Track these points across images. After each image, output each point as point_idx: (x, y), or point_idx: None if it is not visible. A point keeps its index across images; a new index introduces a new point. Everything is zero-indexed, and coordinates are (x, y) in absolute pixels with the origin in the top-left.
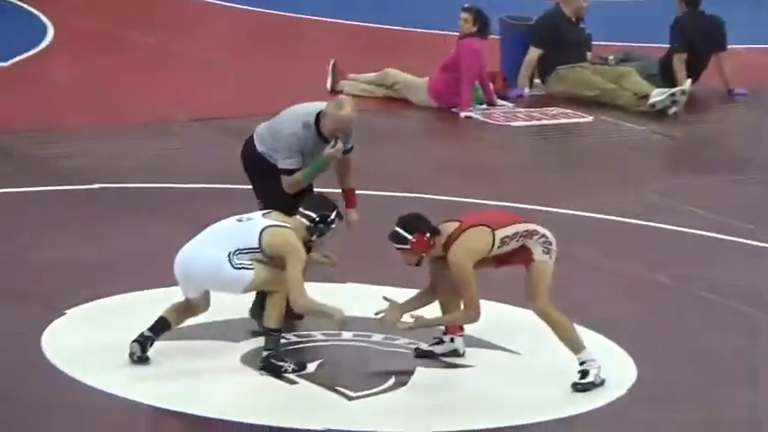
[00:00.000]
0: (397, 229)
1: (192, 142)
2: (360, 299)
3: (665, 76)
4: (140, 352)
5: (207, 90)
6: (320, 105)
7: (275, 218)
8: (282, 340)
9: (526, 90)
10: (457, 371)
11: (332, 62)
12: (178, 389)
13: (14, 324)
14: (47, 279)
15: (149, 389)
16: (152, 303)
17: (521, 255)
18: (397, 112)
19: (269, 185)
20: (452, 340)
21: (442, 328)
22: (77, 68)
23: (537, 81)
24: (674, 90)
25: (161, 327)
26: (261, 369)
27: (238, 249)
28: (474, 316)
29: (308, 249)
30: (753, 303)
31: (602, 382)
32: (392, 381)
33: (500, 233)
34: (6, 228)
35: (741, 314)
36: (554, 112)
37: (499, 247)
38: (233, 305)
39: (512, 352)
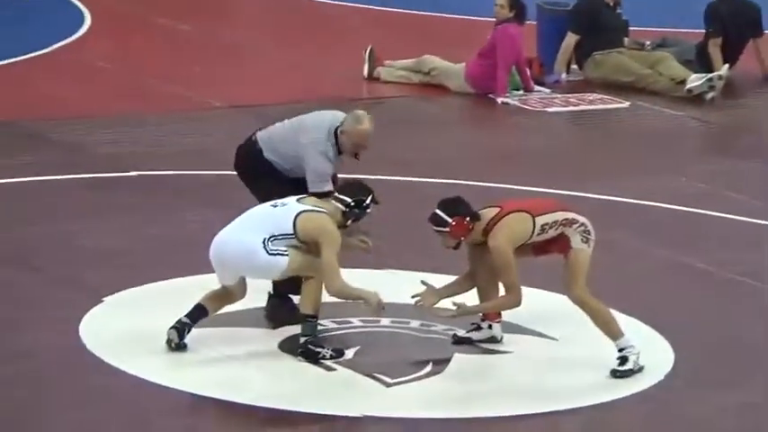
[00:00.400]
0: (437, 211)
1: (229, 129)
2: (398, 285)
3: (702, 62)
4: (177, 339)
5: (243, 76)
6: (338, 116)
7: (310, 203)
8: (319, 327)
9: (563, 76)
10: (494, 357)
11: (368, 48)
12: (216, 376)
13: (54, 310)
14: (85, 266)
15: (187, 376)
16: (189, 290)
17: (559, 243)
18: (434, 98)
19: (273, 188)
20: (490, 327)
21: (480, 314)
22: (115, 55)
23: (574, 67)
24: (711, 75)
25: (198, 314)
26: (299, 355)
27: (273, 236)
28: (515, 301)
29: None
30: None
31: (640, 369)
32: (429, 367)
33: (540, 220)
34: (46, 214)
35: None
36: (591, 97)
37: (539, 234)
38: (266, 293)
39: (549, 338)
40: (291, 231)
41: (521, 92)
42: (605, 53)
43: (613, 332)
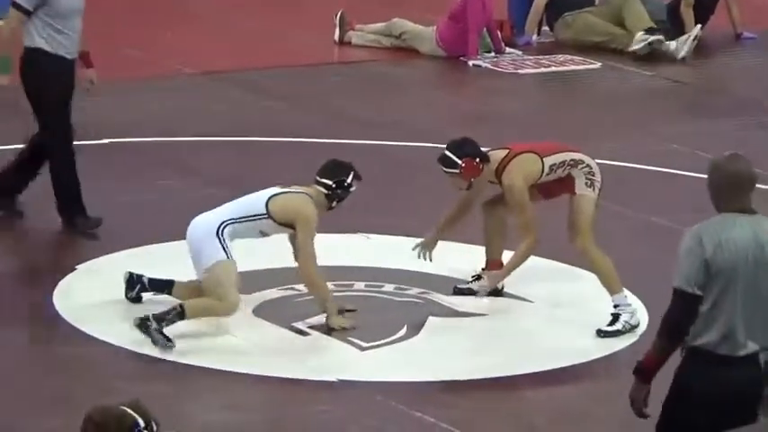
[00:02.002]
0: (447, 152)
1: (200, 96)
2: (372, 249)
3: (674, 22)
4: (126, 288)
5: (213, 43)
6: None
7: (292, 188)
8: (294, 292)
9: (534, 37)
10: (469, 319)
11: (339, 13)
12: (188, 342)
13: (25, 280)
14: (56, 235)
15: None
16: (159, 257)
17: (566, 184)
18: (405, 61)
19: None
20: None
21: (482, 264)
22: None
23: (545, 28)
24: (651, 39)
25: (162, 286)
26: (137, 326)
27: (236, 218)
28: (533, 241)
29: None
30: None
31: (632, 329)
32: (404, 331)
33: (548, 160)
34: None
35: None
36: (562, 58)
37: (547, 174)
38: (243, 259)
39: (524, 300)
40: (263, 212)
41: (492, 54)
42: (576, 14)
43: (612, 287)
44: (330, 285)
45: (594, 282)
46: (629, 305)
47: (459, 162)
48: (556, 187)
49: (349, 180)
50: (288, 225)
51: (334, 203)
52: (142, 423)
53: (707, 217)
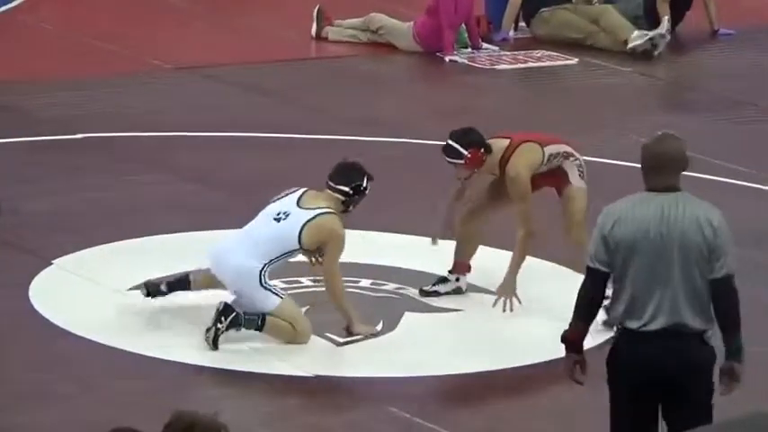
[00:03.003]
0: (452, 142)
1: (176, 91)
2: (348, 245)
3: (650, 17)
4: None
5: (190, 38)
6: None
7: (312, 202)
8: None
9: (511, 33)
10: (445, 315)
11: (317, 8)
12: (165, 339)
13: (3, 273)
14: (33, 229)
15: (135, 338)
16: (136, 252)
17: (556, 176)
18: (383, 57)
19: None
20: (458, 279)
21: (450, 266)
22: (58, 18)
23: (522, 24)
24: (652, 33)
25: (181, 285)
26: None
27: (274, 259)
28: (531, 231)
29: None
30: (737, 242)
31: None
32: (380, 326)
33: (548, 149)
34: None
35: None
36: (539, 54)
37: (545, 164)
38: None
39: None
40: (297, 247)
41: (469, 50)
42: (552, 10)
43: None
44: (306, 281)
45: (568, 277)
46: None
47: (465, 152)
48: (546, 179)
49: (365, 184)
50: (318, 248)
51: (351, 208)
52: None
53: None
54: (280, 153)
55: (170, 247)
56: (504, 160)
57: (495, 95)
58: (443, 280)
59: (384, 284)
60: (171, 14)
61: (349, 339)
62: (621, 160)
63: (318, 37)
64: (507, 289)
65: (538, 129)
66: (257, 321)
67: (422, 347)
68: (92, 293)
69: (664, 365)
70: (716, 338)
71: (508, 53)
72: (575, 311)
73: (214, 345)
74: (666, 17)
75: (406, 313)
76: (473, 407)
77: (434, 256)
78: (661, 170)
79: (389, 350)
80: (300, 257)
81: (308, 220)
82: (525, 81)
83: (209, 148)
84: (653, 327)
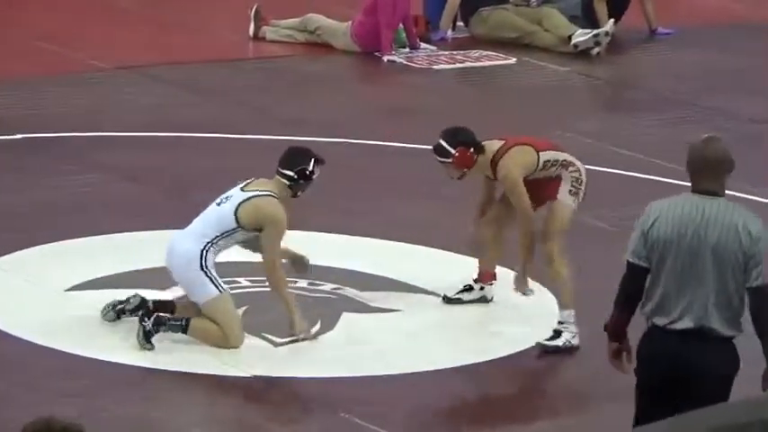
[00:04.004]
0: (441, 141)
1: (115, 90)
2: (293, 245)
3: (588, 18)
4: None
5: (127, 37)
6: None
7: (255, 186)
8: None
9: (449, 33)
10: (383, 315)
11: (254, 8)
12: (108, 340)
13: None
14: None
15: (78, 339)
16: (78, 252)
17: (554, 186)
18: (320, 57)
19: None
20: (482, 288)
21: (474, 275)
22: None
23: (460, 24)
24: (597, 31)
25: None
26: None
27: (214, 238)
28: (532, 225)
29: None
30: None
31: (569, 349)
32: (318, 326)
33: (543, 155)
34: None
35: None
36: (477, 54)
37: (541, 169)
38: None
39: (437, 295)
40: (235, 226)
41: (407, 49)
42: (490, 9)
43: (565, 300)
44: (244, 281)
45: (508, 278)
46: (572, 324)
47: (453, 151)
48: (543, 188)
49: (311, 167)
50: (258, 230)
51: (299, 193)
52: None
53: (625, 212)
54: (218, 153)
55: (111, 247)
56: (495, 161)
57: (433, 95)
58: (468, 288)
59: (321, 285)
60: (110, 14)
61: (287, 340)
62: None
63: (256, 37)
64: (519, 284)
65: (477, 128)
66: (181, 324)
67: (360, 347)
68: (32, 294)
69: (684, 364)
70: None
71: (446, 53)
72: (615, 303)
73: (147, 341)
74: (608, 18)
75: (344, 313)
76: (412, 406)
77: (372, 256)
78: (705, 173)
79: (327, 350)
80: (246, 258)
81: (245, 200)
82: (464, 81)
83: (149, 149)
84: (679, 326)
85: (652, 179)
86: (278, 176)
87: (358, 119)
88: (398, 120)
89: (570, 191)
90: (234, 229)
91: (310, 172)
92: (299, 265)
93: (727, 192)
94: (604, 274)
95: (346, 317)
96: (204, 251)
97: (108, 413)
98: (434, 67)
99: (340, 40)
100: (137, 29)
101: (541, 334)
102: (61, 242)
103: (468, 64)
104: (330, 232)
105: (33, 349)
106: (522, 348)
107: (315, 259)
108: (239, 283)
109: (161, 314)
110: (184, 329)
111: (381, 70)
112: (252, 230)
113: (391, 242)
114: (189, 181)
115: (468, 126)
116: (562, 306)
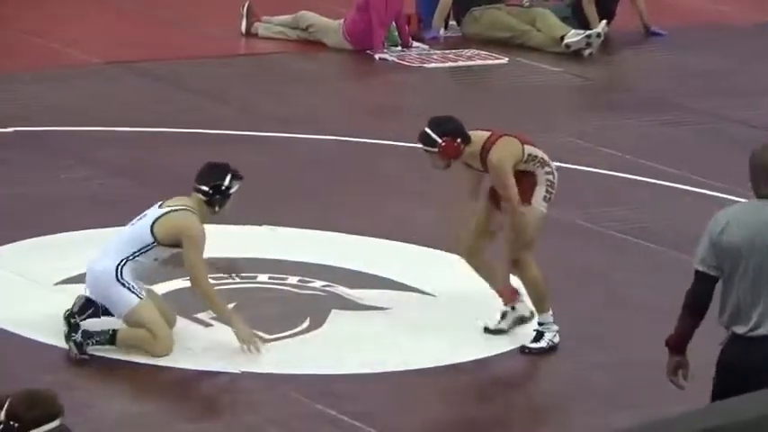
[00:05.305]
0: (427, 130)
1: (105, 86)
2: (277, 241)
3: (578, 19)
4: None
5: (120, 32)
6: None
7: (171, 203)
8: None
9: (441, 32)
10: (372, 313)
11: (246, 4)
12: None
13: None
14: None
15: (62, 333)
16: (65, 246)
17: (528, 184)
18: (312, 54)
19: None
20: (513, 308)
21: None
22: None
23: (452, 23)
24: (589, 32)
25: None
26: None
27: (130, 255)
28: (522, 213)
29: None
30: (666, 243)
31: (553, 347)
32: (307, 323)
33: (527, 148)
34: None
35: (651, 253)
36: (469, 53)
37: (524, 161)
38: None
39: (426, 294)
40: (151, 241)
41: (399, 48)
42: (483, 9)
43: (541, 305)
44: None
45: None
46: (552, 324)
47: (439, 141)
48: (518, 183)
49: (226, 183)
50: (177, 245)
51: (217, 209)
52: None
53: (613, 213)
54: (208, 149)
55: (99, 242)
56: (486, 150)
57: (425, 94)
58: (504, 315)
59: (311, 281)
60: (102, 9)
61: (275, 336)
62: (553, 160)
63: (248, 33)
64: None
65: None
66: (107, 336)
67: (348, 345)
68: (21, 288)
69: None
70: None
71: (438, 52)
72: (681, 313)
73: (81, 352)
74: (600, 19)
75: (333, 311)
76: (400, 404)
77: (362, 254)
78: (766, 178)
79: (316, 347)
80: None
81: (160, 216)
82: (455, 80)
83: (139, 144)
84: (759, 332)
85: (642, 180)
86: (194, 192)
87: (349, 116)
88: (391, 118)
89: (545, 197)
90: (150, 245)
91: (226, 187)
92: (230, 268)
93: (730, 198)
94: (595, 278)
95: (335, 314)
96: (120, 266)
97: (95, 408)
98: (426, 65)
99: (332, 37)
100: (130, 25)
101: (531, 332)
102: (50, 236)
103: (460, 63)
104: (318, 229)
105: (22, 343)
106: (512, 348)
107: (305, 256)
108: (228, 279)
109: (87, 329)
110: (112, 341)
111: (373, 68)
112: (169, 245)
113: (381, 240)
114: (178, 178)
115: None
116: (540, 310)
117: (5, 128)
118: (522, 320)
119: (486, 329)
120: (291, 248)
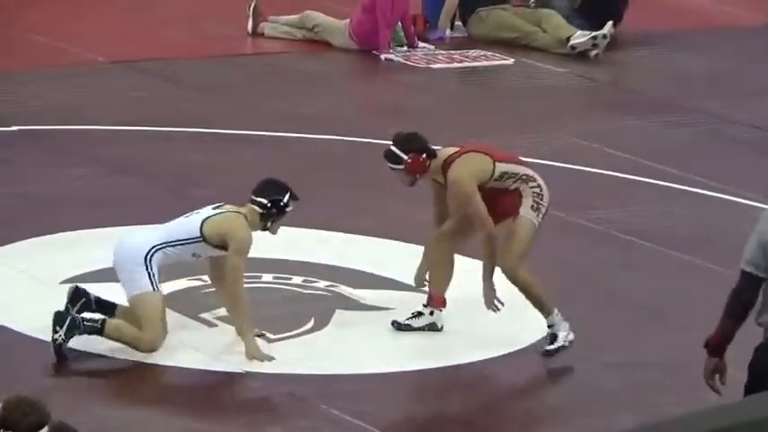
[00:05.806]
0: (392, 148)
1: (111, 84)
2: (281, 241)
3: (583, 17)
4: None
5: (125, 32)
6: None
7: (227, 208)
8: (202, 282)
9: (447, 32)
10: (376, 314)
11: (253, 4)
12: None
13: None
14: None
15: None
16: (75, 244)
17: (513, 200)
18: (318, 54)
19: None
20: (432, 313)
21: (424, 300)
22: None
23: (458, 23)
24: (595, 33)
25: (107, 309)
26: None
27: (169, 242)
28: (490, 232)
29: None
30: (669, 245)
31: (570, 343)
32: (311, 323)
33: (500, 166)
34: None
35: (654, 254)
36: (475, 54)
37: (497, 180)
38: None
39: None
40: (197, 235)
41: (405, 48)
42: (489, 9)
43: (544, 308)
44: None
45: (500, 275)
46: (562, 322)
47: (405, 158)
48: (499, 201)
49: (285, 200)
50: (221, 247)
51: (269, 224)
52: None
53: (617, 213)
54: (214, 148)
55: (101, 240)
56: (447, 164)
57: (430, 94)
58: (418, 314)
59: (315, 282)
60: (107, 8)
61: (281, 336)
62: (554, 161)
63: (254, 33)
64: (488, 298)
65: (474, 128)
66: (97, 325)
67: (353, 345)
68: (26, 286)
69: None
70: None
71: (444, 52)
72: (724, 314)
73: (58, 355)
74: (607, 20)
75: (338, 311)
76: (403, 404)
77: (366, 254)
78: None
79: (320, 347)
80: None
81: (213, 215)
82: (461, 80)
83: (145, 143)
84: None
85: (648, 182)
86: (250, 204)
87: (354, 117)
88: (396, 118)
89: (532, 206)
90: (194, 239)
91: (284, 204)
92: None
93: (734, 200)
94: (601, 280)
95: (340, 314)
96: (153, 249)
97: (96, 408)
98: (432, 66)
99: (338, 37)
100: (135, 23)
101: (534, 333)
102: (54, 235)
103: (465, 64)
104: (324, 229)
105: (23, 340)
106: (515, 349)
107: (309, 256)
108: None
109: (76, 316)
110: (100, 331)
111: (379, 69)
112: (214, 246)
113: (385, 240)
114: (183, 176)
115: (465, 126)
116: (545, 313)
117: (7, 126)
118: (432, 327)
119: (395, 323)
120: (296, 248)
